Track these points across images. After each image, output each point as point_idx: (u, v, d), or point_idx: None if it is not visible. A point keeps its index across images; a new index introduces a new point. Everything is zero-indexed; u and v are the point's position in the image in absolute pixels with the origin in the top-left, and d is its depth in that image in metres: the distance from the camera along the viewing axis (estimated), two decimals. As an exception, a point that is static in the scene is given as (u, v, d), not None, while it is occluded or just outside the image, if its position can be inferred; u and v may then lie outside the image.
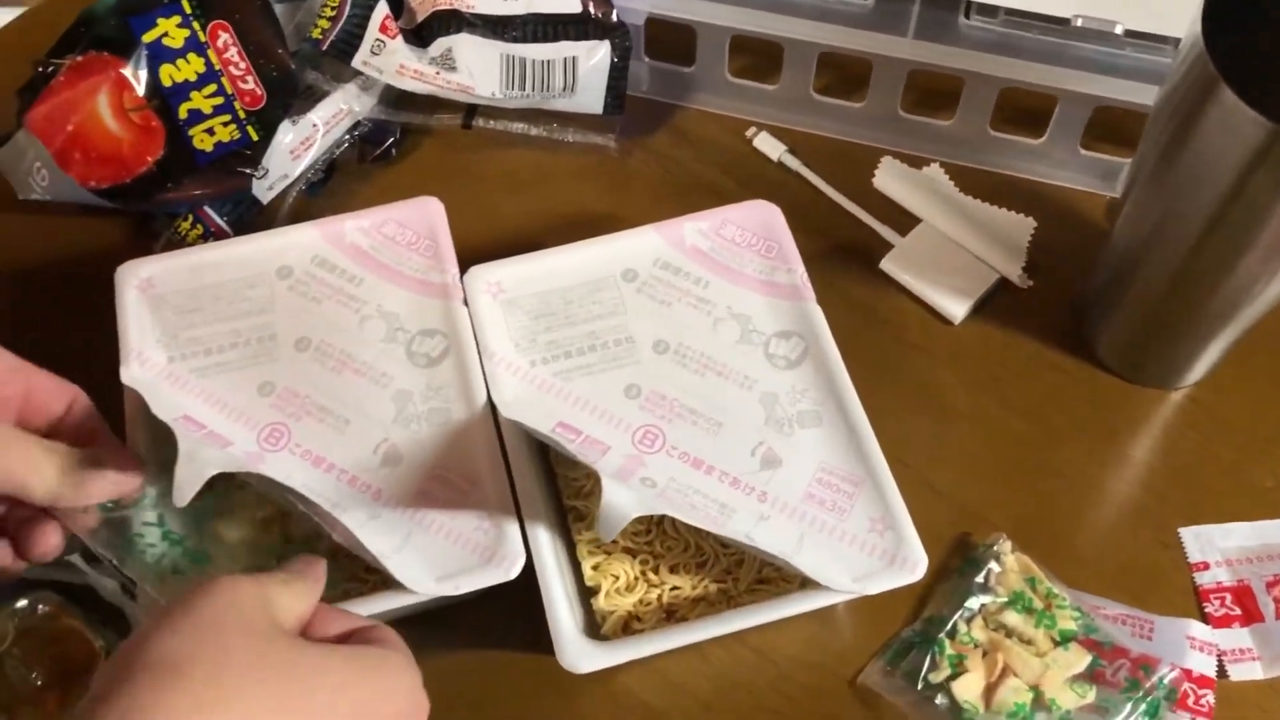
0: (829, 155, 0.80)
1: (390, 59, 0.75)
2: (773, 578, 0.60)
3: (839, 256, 0.75)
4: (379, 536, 0.56)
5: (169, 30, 0.72)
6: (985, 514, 0.65)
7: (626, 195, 0.78)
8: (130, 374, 0.61)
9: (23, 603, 0.59)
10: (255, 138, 0.73)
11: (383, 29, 0.75)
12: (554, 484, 0.63)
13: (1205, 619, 0.62)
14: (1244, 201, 0.54)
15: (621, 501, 0.52)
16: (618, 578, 0.60)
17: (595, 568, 0.60)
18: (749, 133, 0.81)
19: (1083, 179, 0.78)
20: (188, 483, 0.51)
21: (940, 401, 0.70)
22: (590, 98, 0.77)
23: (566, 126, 0.80)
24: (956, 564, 0.63)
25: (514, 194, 0.79)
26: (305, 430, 0.60)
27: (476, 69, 0.76)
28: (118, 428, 0.60)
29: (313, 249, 0.66)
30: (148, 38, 0.72)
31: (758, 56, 0.80)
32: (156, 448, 0.59)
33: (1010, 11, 0.73)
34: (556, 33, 0.76)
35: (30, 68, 0.73)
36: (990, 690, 0.59)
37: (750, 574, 0.60)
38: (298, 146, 0.76)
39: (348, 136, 0.79)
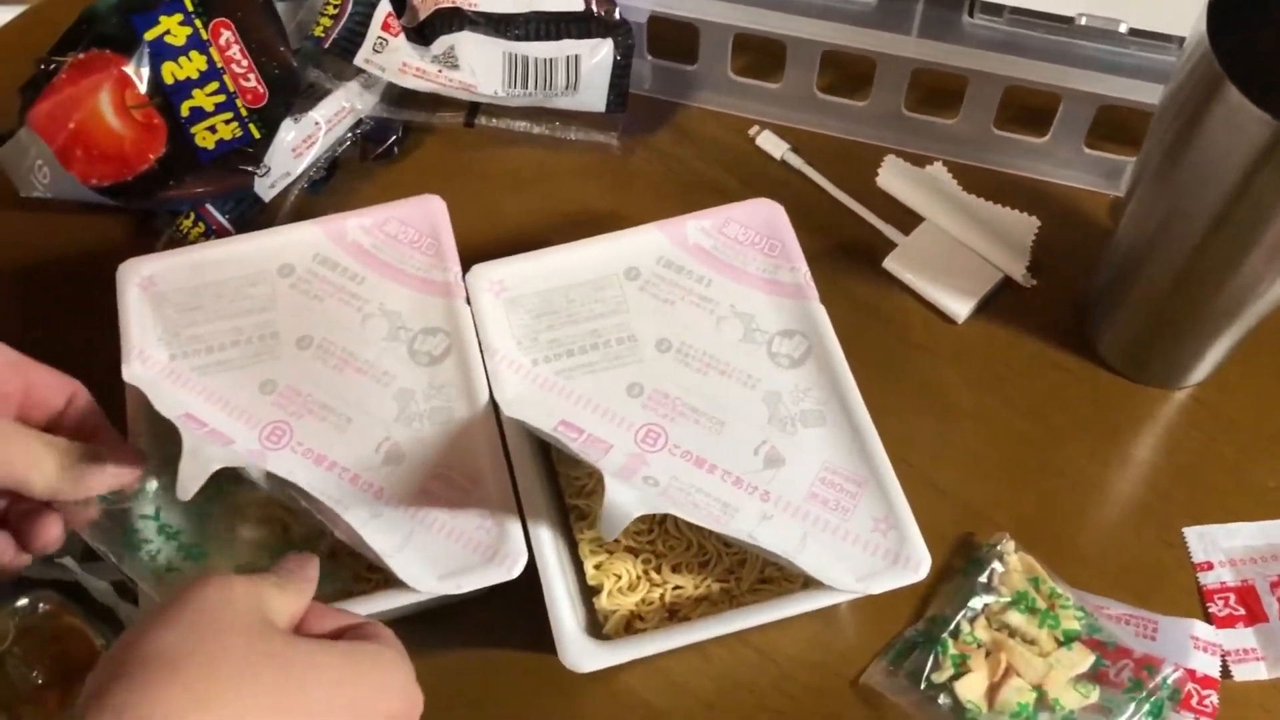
0: (832, 154, 0.79)
1: (392, 57, 0.75)
2: (775, 577, 0.59)
3: (842, 255, 0.74)
4: (381, 535, 0.56)
5: (171, 28, 0.72)
6: (988, 513, 0.65)
7: (629, 194, 0.78)
8: (132, 372, 0.61)
9: (23, 601, 0.59)
10: (257, 135, 0.73)
11: (385, 27, 0.75)
12: (556, 483, 0.63)
13: (1209, 619, 0.62)
14: (1249, 200, 0.54)
15: (624, 500, 0.52)
16: (620, 577, 0.59)
17: (597, 567, 0.60)
18: (752, 131, 0.81)
19: (1086, 178, 0.78)
20: (192, 478, 0.51)
21: (943, 401, 0.69)
22: (593, 96, 0.77)
23: (569, 125, 0.80)
24: (960, 564, 0.63)
25: (516, 192, 0.78)
26: (307, 428, 0.60)
27: (479, 67, 0.76)
28: (119, 425, 0.60)
29: (315, 247, 0.66)
30: (150, 35, 0.71)
31: (761, 55, 0.79)
32: (158, 445, 0.59)
33: (1014, 10, 0.73)
34: (559, 31, 0.75)
35: (32, 65, 0.72)
36: (993, 690, 0.59)
37: (753, 573, 0.60)
38: (300, 144, 0.76)
39: (350, 134, 0.79)
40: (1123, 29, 0.71)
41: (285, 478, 0.54)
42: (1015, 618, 0.60)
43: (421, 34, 0.76)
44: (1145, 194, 0.62)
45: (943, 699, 0.59)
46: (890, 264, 0.74)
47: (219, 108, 0.72)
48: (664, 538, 0.61)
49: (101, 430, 0.57)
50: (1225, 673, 0.60)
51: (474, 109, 0.80)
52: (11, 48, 0.84)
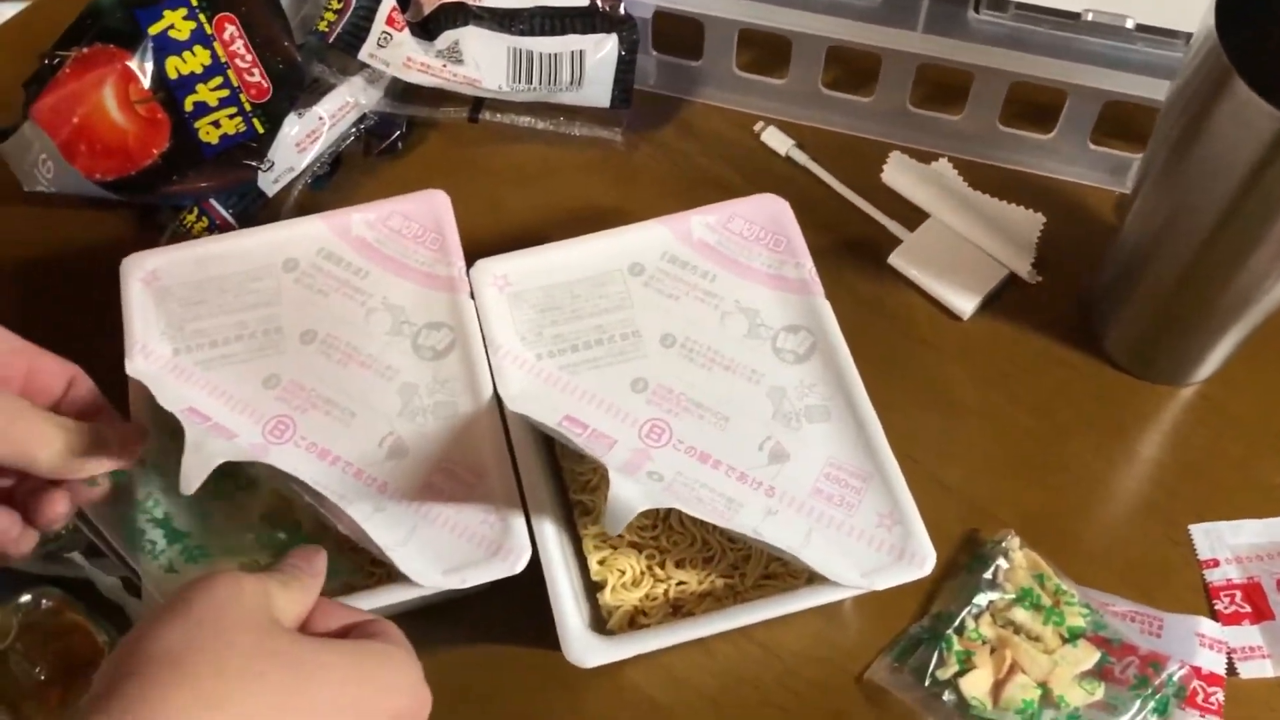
0: (837, 150, 0.79)
1: (397, 52, 0.75)
2: (780, 573, 0.59)
3: (847, 252, 0.74)
4: (385, 529, 0.56)
5: (175, 22, 0.72)
6: (993, 510, 0.65)
7: (633, 189, 0.78)
8: (135, 366, 0.61)
9: (26, 598, 0.59)
10: (261, 130, 0.73)
11: (389, 21, 0.75)
12: (560, 478, 0.63)
13: (1215, 616, 0.62)
14: (1257, 195, 0.54)
15: (628, 495, 0.51)
16: (624, 572, 0.59)
17: (601, 562, 0.60)
18: (757, 127, 0.80)
19: (1092, 174, 0.77)
20: (195, 472, 0.51)
21: (949, 397, 0.69)
22: (597, 91, 0.77)
23: (573, 120, 0.80)
24: (964, 560, 0.63)
25: (520, 188, 0.78)
26: (311, 423, 0.60)
27: (483, 62, 0.76)
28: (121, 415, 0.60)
29: (318, 241, 0.66)
30: (153, 30, 0.71)
31: (766, 50, 0.79)
32: (162, 439, 0.59)
33: (1020, 5, 0.73)
34: (564, 26, 0.75)
35: (36, 60, 0.72)
36: (998, 687, 0.59)
37: (757, 569, 0.59)
38: (303, 139, 0.76)
39: (354, 129, 0.79)
40: (1129, 24, 0.71)
41: (288, 472, 0.54)
42: (1020, 614, 0.60)
43: (426, 29, 0.76)
44: (1151, 190, 0.62)
45: (947, 695, 0.59)
46: (895, 260, 0.74)
47: (223, 102, 0.72)
48: (668, 533, 0.61)
49: (103, 411, 0.57)
50: (1231, 670, 0.60)
51: (478, 104, 0.80)
52: (15, 42, 0.84)
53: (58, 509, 0.54)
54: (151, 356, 0.62)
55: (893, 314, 0.72)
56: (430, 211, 0.67)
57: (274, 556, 0.58)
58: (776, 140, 0.80)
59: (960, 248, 0.74)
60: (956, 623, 0.60)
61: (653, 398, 0.60)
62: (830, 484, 0.58)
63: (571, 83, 0.76)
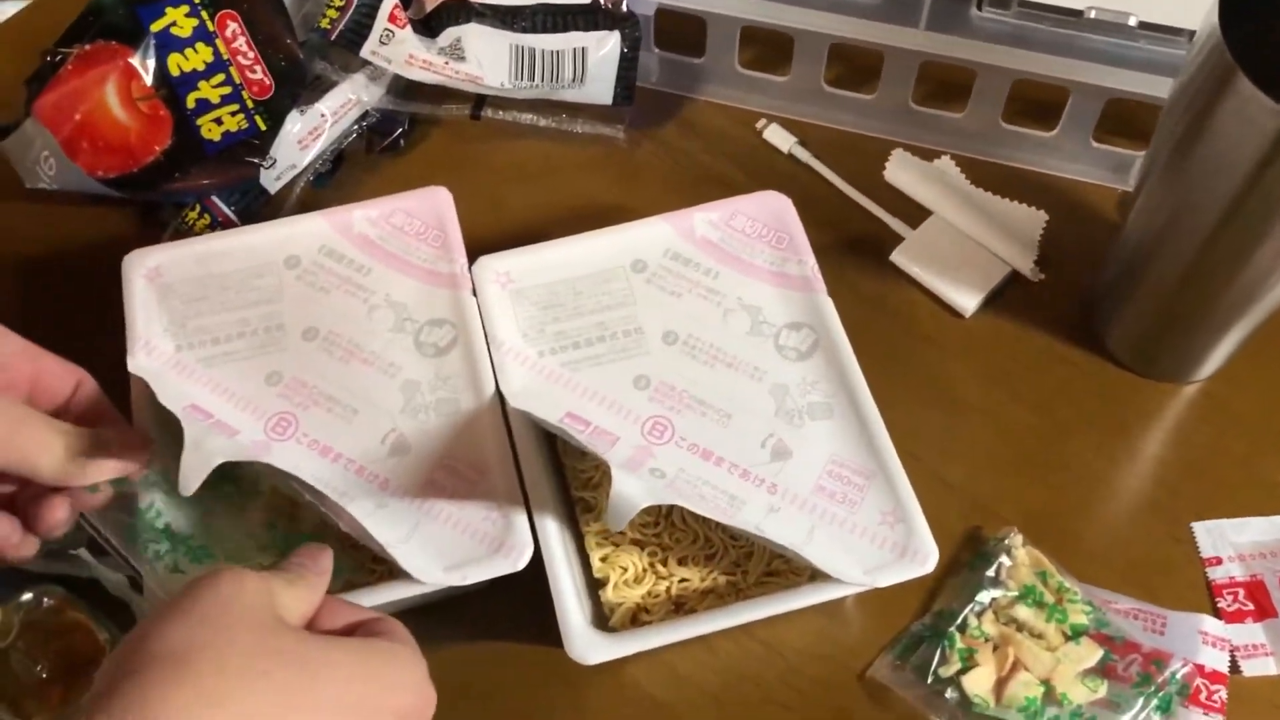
0: (839, 147, 0.79)
1: (399, 49, 0.75)
2: (782, 570, 0.59)
3: (849, 249, 0.74)
4: (386, 526, 0.56)
5: (177, 19, 0.72)
6: (996, 508, 0.65)
7: (635, 187, 0.78)
8: (137, 363, 0.61)
9: (28, 596, 0.59)
10: (263, 127, 0.73)
11: (391, 19, 0.75)
12: (562, 475, 0.63)
13: (1218, 614, 0.62)
14: (1260, 192, 0.54)
15: (631, 491, 0.51)
16: (626, 569, 0.59)
17: (603, 559, 0.60)
18: (759, 124, 0.80)
19: (1095, 172, 0.77)
20: (194, 472, 0.51)
21: (951, 395, 0.69)
22: (599, 88, 0.77)
23: (575, 117, 0.80)
24: (967, 558, 0.63)
25: (522, 185, 0.78)
26: (313, 420, 0.60)
27: (485, 59, 0.75)
28: (124, 416, 0.59)
29: (321, 238, 0.66)
30: (156, 27, 0.71)
31: (768, 48, 0.79)
32: (164, 436, 0.59)
33: (1023, 3, 0.73)
34: (566, 23, 0.75)
35: (38, 57, 0.72)
36: (1001, 684, 0.58)
37: (759, 566, 0.59)
38: (306, 136, 0.76)
39: (356, 127, 0.79)
40: (1132, 22, 0.71)
41: (290, 470, 0.54)
42: (1023, 612, 0.60)
43: (428, 26, 0.76)
44: (1154, 187, 0.61)
45: (950, 693, 0.58)
46: (898, 258, 0.74)
47: (225, 99, 0.72)
48: (670, 530, 0.60)
49: (107, 416, 0.57)
50: (1234, 668, 0.60)
51: (480, 101, 0.80)
52: (17, 39, 0.84)
53: (57, 515, 0.54)
54: (153, 353, 0.62)
55: (895, 311, 0.72)
56: (432, 208, 0.67)
57: (278, 558, 0.58)
58: (779, 138, 0.80)
59: (962, 245, 0.74)
60: (959, 620, 0.60)
61: (655, 395, 0.60)
62: (833, 481, 0.58)
63: (574, 80, 0.76)
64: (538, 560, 0.56)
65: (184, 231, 0.74)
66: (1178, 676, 0.58)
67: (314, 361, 0.62)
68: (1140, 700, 0.57)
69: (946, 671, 0.59)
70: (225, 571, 0.44)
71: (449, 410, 0.60)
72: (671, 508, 0.61)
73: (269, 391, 0.61)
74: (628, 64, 0.76)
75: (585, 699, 0.60)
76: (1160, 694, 0.58)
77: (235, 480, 0.60)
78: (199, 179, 0.73)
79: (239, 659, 0.41)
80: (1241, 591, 0.62)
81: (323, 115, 0.77)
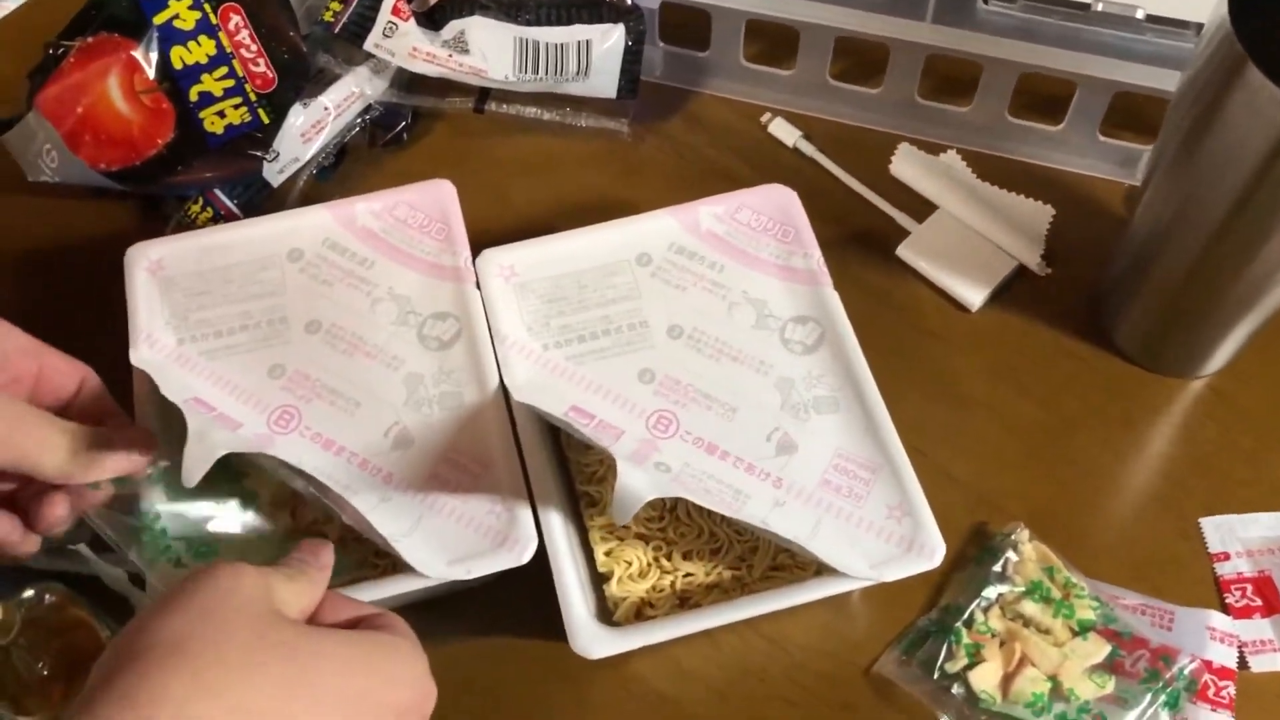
0: (845, 141, 0.79)
1: (402, 42, 0.75)
2: (787, 565, 0.59)
3: (855, 243, 0.74)
4: (390, 520, 0.56)
5: (180, 12, 0.71)
6: (1002, 503, 0.65)
7: (639, 181, 0.78)
8: (140, 356, 0.61)
9: (29, 593, 0.59)
10: (266, 120, 0.73)
11: (395, 11, 0.74)
12: (566, 469, 0.62)
13: (1226, 610, 0.61)
14: (1269, 184, 0.54)
15: (636, 484, 0.51)
16: (630, 564, 0.59)
17: (608, 553, 0.59)
18: (764, 118, 0.80)
19: (1102, 166, 0.77)
20: (197, 463, 0.51)
21: (957, 389, 0.69)
22: (604, 82, 0.77)
23: (579, 111, 0.79)
24: (973, 553, 0.63)
25: (526, 179, 0.78)
26: (316, 413, 0.60)
27: (489, 52, 0.75)
28: (127, 410, 0.59)
29: (324, 231, 0.66)
30: (159, 19, 0.71)
31: (773, 41, 0.79)
32: (166, 429, 0.58)
33: (1030, -4, 0.73)
34: (570, 16, 0.75)
35: (41, 49, 0.72)
36: (1007, 680, 0.58)
37: (765, 561, 0.59)
38: (309, 130, 0.76)
39: (359, 120, 0.78)
40: (1139, 15, 0.71)
41: (293, 463, 0.54)
42: (1030, 607, 0.60)
43: (432, 19, 0.75)
44: (1162, 181, 0.61)
45: (956, 689, 0.58)
46: (903, 252, 0.73)
47: (228, 93, 0.72)
48: (675, 524, 0.60)
49: (111, 414, 0.57)
50: (1242, 664, 0.60)
51: (484, 94, 0.80)
52: (20, 32, 0.84)
53: (57, 512, 0.54)
54: (156, 346, 0.61)
55: (901, 306, 0.72)
56: (436, 201, 0.67)
57: (278, 552, 0.58)
58: (784, 131, 0.79)
59: (969, 240, 0.74)
60: (965, 615, 0.60)
61: (660, 388, 0.60)
62: (839, 475, 0.57)
63: (578, 73, 0.76)
64: (542, 554, 0.56)
65: (186, 224, 0.73)
66: (1185, 672, 0.58)
67: (317, 354, 0.61)
68: (1148, 696, 0.57)
69: (953, 667, 0.58)
70: (223, 565, 0.44)
71: (453, 404, 0.60)
72: (676, 502, 0.61)
73: (272, 384, 0.60)
74: (632, 57, 0.76)
75: (589, 693, 0.60)
76: (1168, 690, 0.57)
77: (238, 476, 0.60)
78: (201, 172, 0.73)
79: (237, 651, 0.41)
80: (1250, 587, 0.62)
81: (326, 108, 0.76)
